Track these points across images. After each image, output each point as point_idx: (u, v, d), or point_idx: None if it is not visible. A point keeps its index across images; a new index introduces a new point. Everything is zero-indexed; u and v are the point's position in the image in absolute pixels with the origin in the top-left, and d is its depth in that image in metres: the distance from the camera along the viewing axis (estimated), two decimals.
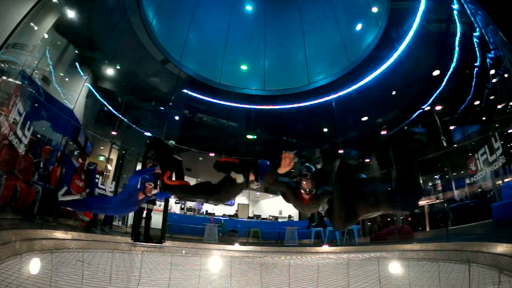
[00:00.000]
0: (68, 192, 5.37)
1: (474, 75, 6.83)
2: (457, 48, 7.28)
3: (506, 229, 4.85)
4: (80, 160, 6.87)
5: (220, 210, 12.45)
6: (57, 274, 2.77)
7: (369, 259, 5.05)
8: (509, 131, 6.16)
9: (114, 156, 9.10)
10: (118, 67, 9.32)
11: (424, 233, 7.50)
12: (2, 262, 2.74)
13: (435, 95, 7.91)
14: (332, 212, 2.65)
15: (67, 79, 7.28)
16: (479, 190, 6.71)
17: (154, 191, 4.04)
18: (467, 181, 7.30)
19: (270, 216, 11.99)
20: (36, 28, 5.24)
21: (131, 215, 7.42)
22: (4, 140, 4.45)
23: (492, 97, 6.53)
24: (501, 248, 3.56)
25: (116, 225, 7.63)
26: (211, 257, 5.23)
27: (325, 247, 7.13)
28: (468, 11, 6.17)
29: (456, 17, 7.22)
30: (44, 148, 5.74)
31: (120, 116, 8.95)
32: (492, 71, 6.18)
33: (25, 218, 4.82)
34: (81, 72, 7.66)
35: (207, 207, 12.67)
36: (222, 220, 9.96)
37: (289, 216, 11.95)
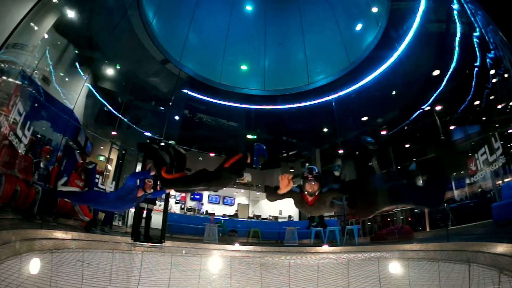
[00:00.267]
0: (67, 182, 5.39)
1: (474, 75, 6.82)
2: (457, 48, 7.28)
3: (506, 229, 4.85)
4: (80, 160, 6.88)
5: (220, 210, 12.47)
6: (57, 274, 2.77)
7: (369, 259, 5.05)
8: (509, 131, 6.16)
9: (114, 156, 9.10)
10: (118, 67, 9.32)
11: (424, 233, 7.50)
12: (2, 262, 2.74)
13: (435, 95, 7.91)
14: (356, 200, 2.67)
15: (67, 79, 7.27)
16: (479, 190, 6.71)
17: (151, 191, 4.08)
18: (467, 181, 7.29)
19: (270, 216, 11.99)
20: (36, 28, 5.23)
21: (131, 215, 7.44)
22: (4, 140, 4.44)
23: (492, 97, 6.52)
24: (501, 248, 3.55)
25: (116, 225, 7.63)
26: (211, 257, 5.23)
27: (325, 247, 7.13)
28: (468, 11, 6.16)
29: (456, 17, 7.21)
30: (44, 148, 5.74)
31: (120, 116, 8.95)
32: (492, 71, 6.18)
33: (25, 218, 4.82)
34: (81, 72, 7.66)
35: (207, 207, 12.69)
36: (222, 220, 9.96)
37: (289, 216, 11.95)
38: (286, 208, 12.25)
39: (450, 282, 2.96)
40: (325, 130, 11.92)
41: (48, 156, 5.70)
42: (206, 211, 11.76)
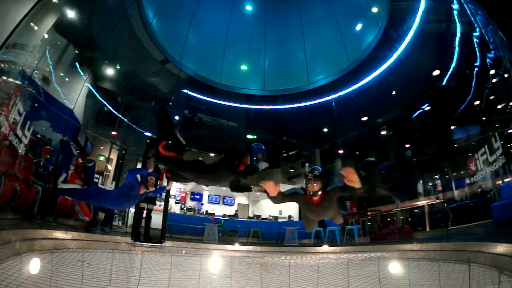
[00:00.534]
0: (67, 179, 5.37)
1: (474, 75, 6.83)
2: (457, 48, 7.28)
3: (506, 229, 4.85)
4: (80, 160, 6.87)
5: (220, 210, 12.47)
6: (57, 274, 2.77)
7: (369, 259, 5.04)
8: (509, 131, 6.16)
9: (114, 156, 9.10)
10: (118, 67, 9.32)
11: (424, 233, 7.49)
12: (2, 262, 2.73)
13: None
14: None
15: (67, 79, 7.27)
16: (479, 190, 6.71)
17: (152, 188, 4.06)
18: (467, 181, 7.29)
19: (270, 216, 11.98)
20: (36, 28, 5.23)
21: (131, 215, 7.44)
22: (4, 140, 4.45)
23: (492, 97, 6.53)
24: (501, 248, 3.55)
25: (116, 225, 7.62)
26: (211, 257, 5.23)
27: (325, 247, 7.13)
28: (468, 11, 6.17)
29: (456, 17, 7.22)
30: (44, 148, 5.73)
31: (120, 116, 8.95)
32: (492, 71, 6.18)
33: (25, 218, 4.82)
34: (81, 72, 7.66)
35: (207, 207, 12.70)
36: (222, 220, 9.96)
37: (289, 216, 11.95)
38: (286, 208, 12.25)
39: (450, 282, 2.96)
40: (325, 130, 11.92)
41: (48, 156, 5.70)
42: (206, 211, 11.76)
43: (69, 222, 5.93)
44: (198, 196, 13.08)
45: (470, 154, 7.05)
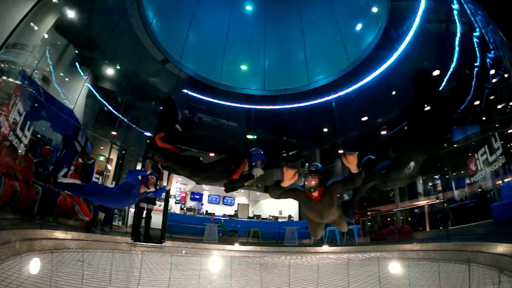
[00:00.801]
0: (67, 174, 5.34)
1: (474, 75, 6.82)
2: (457, 48, 7.28)
3: (506, 229, 4.85)
4: (79, 160, 6.86)
5: (220, 210, 12.47)
6: (57, 274, 2.77)
7: (369, 259, 5.05)
8: (509, 131, 6.16)
9: (114, 156, 9.10)
10: (118, 67, 9.32)
11: (424, 233, 7.49)
12: (2, 262, 2.73)
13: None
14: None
15: (67, 79, 7.27)
16: (479, 190, 6.71)
17: (153, 187, 4.05)
18: (467, 181, 7.29)
19: (270, 216, 11.99)
20: (36, 28, 5.23)
21: (131, 215, 7.44)
22: (5, 141, 4.45)
23: (492, 97, 6.52)
24: (501, 248, 3.55)
25: (116, 225, 7.62)
26: (211, 257, 5.23)
27: (325, 247, 7.13)
28: (468, 11, 6.17)
29: (456, 17, 7.21)
30: (44, 148, 5.73)
31: (120, 116, 8.95)
32: (492, 71, 6.18)
33: (25, 218, 4.82)
34: (81, 72, 7.66)
35: (207, 207, 12.70)
36: (222, 220, 9.96)
37: (289, 216, 11.95)
38: (286, 208, 12.25)
39: (450, 282, 2.96)
40: (325, 130, 11.93)
41: (48, 156, 5.70)
42: (206, 211, 11.76)
43: (69, 222, 5.93)
44: (198, 196, 13.08)
45: (470, 154, 7.04)
